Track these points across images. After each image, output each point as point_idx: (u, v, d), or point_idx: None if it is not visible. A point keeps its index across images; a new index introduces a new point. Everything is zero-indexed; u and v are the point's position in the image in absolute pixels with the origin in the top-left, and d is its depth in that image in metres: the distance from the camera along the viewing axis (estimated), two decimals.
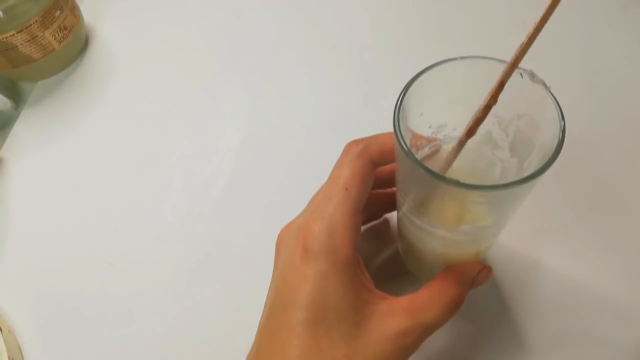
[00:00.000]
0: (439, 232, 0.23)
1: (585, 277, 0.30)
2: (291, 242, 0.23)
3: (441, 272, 0.25)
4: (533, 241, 0.31)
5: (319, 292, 0.21)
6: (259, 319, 0.24)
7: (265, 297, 0.25)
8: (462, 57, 0.21)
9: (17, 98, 0.45)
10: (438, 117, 0.24)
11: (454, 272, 0.24)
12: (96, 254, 0.35)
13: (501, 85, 0.19)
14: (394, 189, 0.29)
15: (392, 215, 0.33)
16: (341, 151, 0.26)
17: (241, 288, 0.32)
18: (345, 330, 0.21)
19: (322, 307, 0.21)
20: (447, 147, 0.25)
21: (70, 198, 0.38)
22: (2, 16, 0.38)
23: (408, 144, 0.20)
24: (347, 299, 0.22)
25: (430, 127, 0.24)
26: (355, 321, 0.22)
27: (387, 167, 0.26)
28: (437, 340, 0.28)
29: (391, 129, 0.20)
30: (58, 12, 0.42)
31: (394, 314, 0.22)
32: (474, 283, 0.25)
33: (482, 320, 0.29)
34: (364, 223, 0.30)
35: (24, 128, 0.43)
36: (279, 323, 0.22)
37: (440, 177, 0.18)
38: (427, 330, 0.22)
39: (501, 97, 0.19)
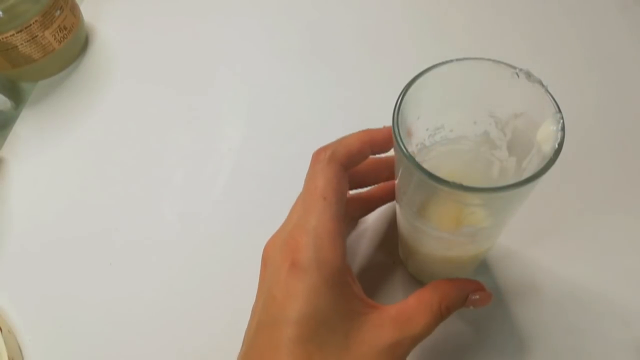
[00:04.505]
0: (439, 234, 0.23)
1: (585, 277, 0.30)
2: (278, 258, 0.23)
3: (433, 282, 0.24)
4: (533, 241, 0.31)
5: (310, 308, 0.21)
6: (244, 334, 0.24)
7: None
8: (457, 59, 0.21)
9: (17, 98, 0.45)
10: (435, 119, 0.24)
11: (445, 283, 0.24)
12: (96, 253, 0.35)
13: None
14: (369, 188, 0.30)
15: (392, 216, 0.33)
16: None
17: (241, 288, 0.32)
18: (337, 344, 0.21)
19: (313, 322, 0.21)
20: (444, 149, 0.25)
21: (70, 198, 0.38)
22: (2, 16, 0.38)
23: (408, 148, 0.19)
24: (339, 312, 0.22)
25: (427, 129, 0.24)
26: (346, 333, 0.21)
27: (359, 168, 0.26)
28: (437, 340, 0.28)
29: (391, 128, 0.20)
30: (58, 12, 0.42)
31: (383, 325, 0.22)
32: (468, 302, 0.24)
33: (482, 320, 0.29)
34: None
35: (24, 128, 0.43)
36: (268, 339, 0.21)
37: (443, 181, 0.18)
38: (416, 340, 0.22)
39: (497, 98, 0.19)
